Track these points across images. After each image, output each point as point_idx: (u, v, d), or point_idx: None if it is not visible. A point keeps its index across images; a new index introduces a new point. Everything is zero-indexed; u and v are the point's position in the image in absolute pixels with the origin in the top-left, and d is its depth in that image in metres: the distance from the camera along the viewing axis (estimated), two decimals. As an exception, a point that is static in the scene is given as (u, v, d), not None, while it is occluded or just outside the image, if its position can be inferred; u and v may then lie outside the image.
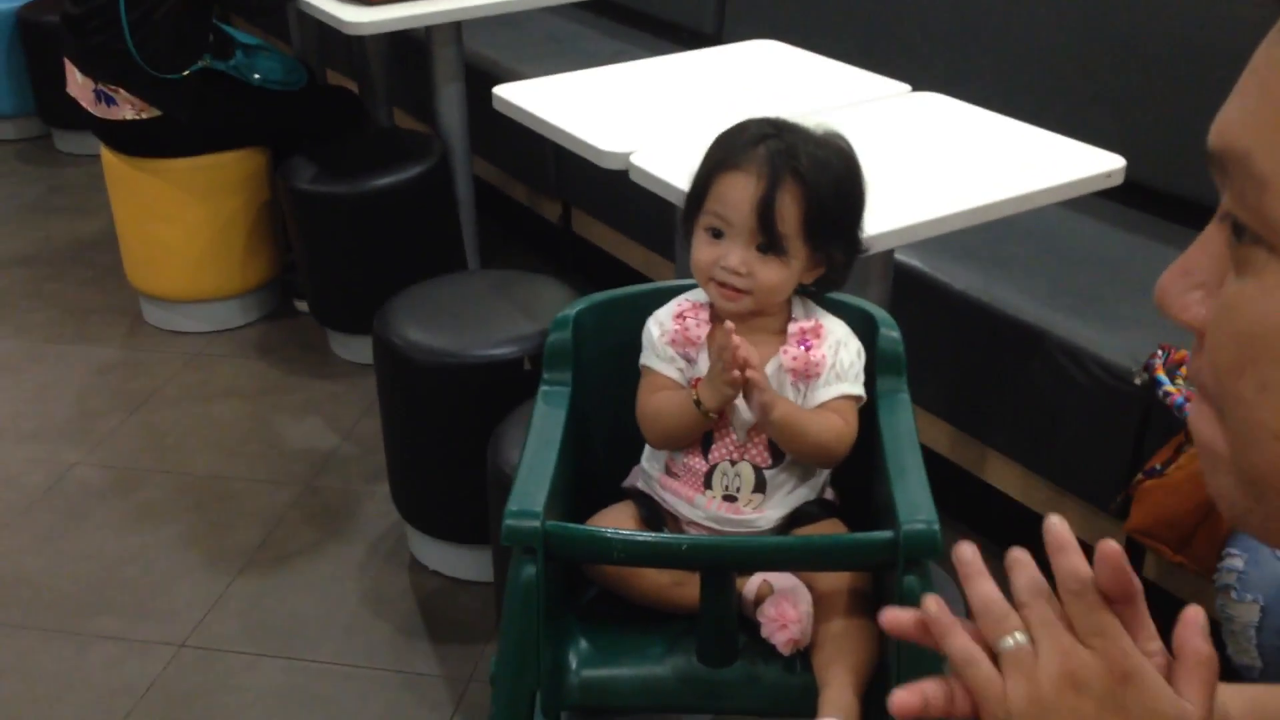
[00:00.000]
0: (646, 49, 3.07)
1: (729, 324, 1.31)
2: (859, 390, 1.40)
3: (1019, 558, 0.64)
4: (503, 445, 1.77)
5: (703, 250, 1.37)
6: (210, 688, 1.95)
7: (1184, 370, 1.73)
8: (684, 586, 1.37)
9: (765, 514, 1.41)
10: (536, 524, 1.23)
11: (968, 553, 0.66)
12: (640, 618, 1.41)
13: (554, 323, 1.49)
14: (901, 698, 0.63)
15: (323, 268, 2.81)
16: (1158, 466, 1.69)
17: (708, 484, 1.42)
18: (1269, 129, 0.46)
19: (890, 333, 1.44)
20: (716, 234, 1.36)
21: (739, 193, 1.32)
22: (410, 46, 3.20)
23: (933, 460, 1.61)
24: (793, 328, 1.40)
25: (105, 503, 2.41)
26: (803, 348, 1.38)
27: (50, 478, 2.49)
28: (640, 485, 1.49)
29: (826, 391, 1.38)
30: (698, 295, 1.45)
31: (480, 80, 2.74)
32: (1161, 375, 1.70)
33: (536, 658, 1.26)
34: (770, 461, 1.41)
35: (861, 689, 1.30)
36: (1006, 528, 2.16)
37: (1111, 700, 0.58)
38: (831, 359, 1.38)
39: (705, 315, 1.42)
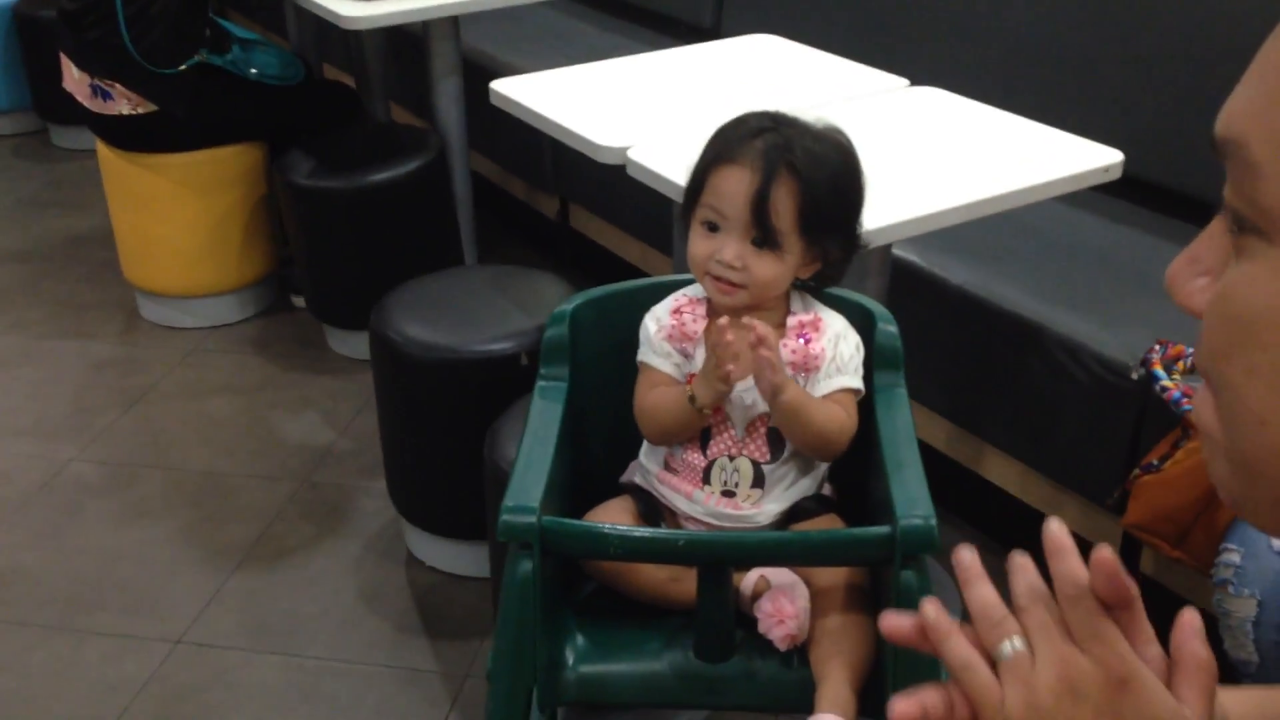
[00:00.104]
0: (644, 43, 3.07)
1: (724, 319, 1.31)
2: (858, 383, 1.40)
3: (1020, 562, 0.64)
4: (500, 441, 1.77)
5: (698, 244, 1.37)
6: (206, 684, 1.95)
7: (1181, 365, 1.73)
8: (681, 582, 1.37)
9: (763, 509, 1.41)
10: (533, 519, 1.23)
11: (966, 557, 0.65)
12: (637, 613, 1.41)
13: (551, 318, 1.48)
14: (901, 707, 0.63)
15: (320, 263, 2.80)
16: (1155, 462, 1.69)
17: (706, 479, 1.42)
18: (1263, 117, 0.47)
19: (888, 328, 1.44)
20: (712, 228, 1.35)
21: (734, 186, 1.32)
22: (407, 41, 3.19)
23: (930, 456, 1.61)
24: (791, 321, 1.40)
25: (101, 499, 2.41)
26: (802, 341, 1.38)
27: (46, 474, 2.48)
28: (638, 480, 1.48)
29: (827, 384, 1.38)
30: (695, 290, 1.45)
31: (478, 75, 2.73)
32: (1159, 370, 1.70)
33: (533, 653, 1.26)
34: (769, 456, 1.40)
35: (858, 685, 1.30)
36: (1004, 523, 2.16)
37: (1109, 706, 0.58)
38: (831, 352, 1.38)
39: (702, 310, 1.42)
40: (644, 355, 1.44)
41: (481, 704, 1.62)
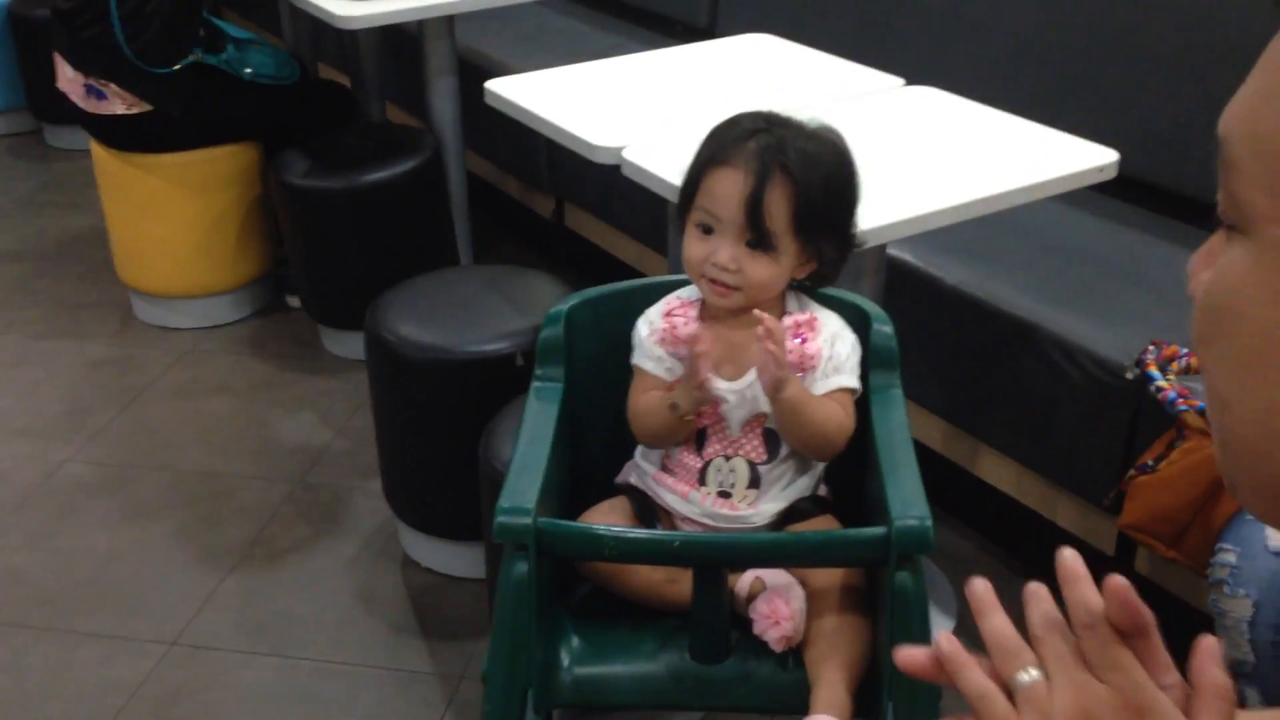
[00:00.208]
0: (640, 43, 3.07)
1: (694, 329, 1.31)
2: (856, 383, 1.40)
3: (1035, 591, 0.64)
4: (495, 441, 1.77)
5: (693, 246, 1.36)
6: (201, 685, 1.95)
7: (1175, 365, 1.73)
8: (677, 583, 1.37)
9: (759, 509, 1.41)
10: (528, 521, 1.22)
11: (980, 588, 0.65)
12: (633, 614, 1.41)
13: (546, 318, 1.48)
14: None
15: (315, 263, 2.80)
16: (1150, 462, 1.69)
17: (702, 480, 1.41)
18: (1245, 117, 0.49)
19: (883, 328, 1.44)
20: (707, 230, 1.35)
21: (728, 189, 1.32)
22: (402, 40, 3.19)
23: (926, 455, 1.61)
24: (787, 321, 1.40)
25: (96, 500, 2.40)
26: (798, 341, 1.38)
27: (41, 474, 2.48)
28: (634, 481, 1.48)
29: (825, 384, 1.38)
30: (689, 293, 1.45)
31: (473, 74, 2.73)
32: (1154, 371, 1.70)
33: (529, 655, 1.26)
34: (765, 457, 1.40)
35: (854, 686, 1.30)
36: (999, 523, 2.16)
37: None
38: (828, 352, 1.38)
39: (694, 313, 1.42)
40: (636, 358, 1.44)
41: (477, 705, 1.62)
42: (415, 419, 2.07)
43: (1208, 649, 0.60)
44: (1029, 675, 0.61)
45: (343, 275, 2.75)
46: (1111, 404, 1.83)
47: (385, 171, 2.68)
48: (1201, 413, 1.60)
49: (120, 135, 2.81)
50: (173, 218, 2.89)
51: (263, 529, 2.30)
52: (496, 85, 2.07)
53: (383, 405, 2.12)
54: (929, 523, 1.21)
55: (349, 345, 2.80)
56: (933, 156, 1.81)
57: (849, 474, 1.45)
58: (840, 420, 1.37)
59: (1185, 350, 1.73)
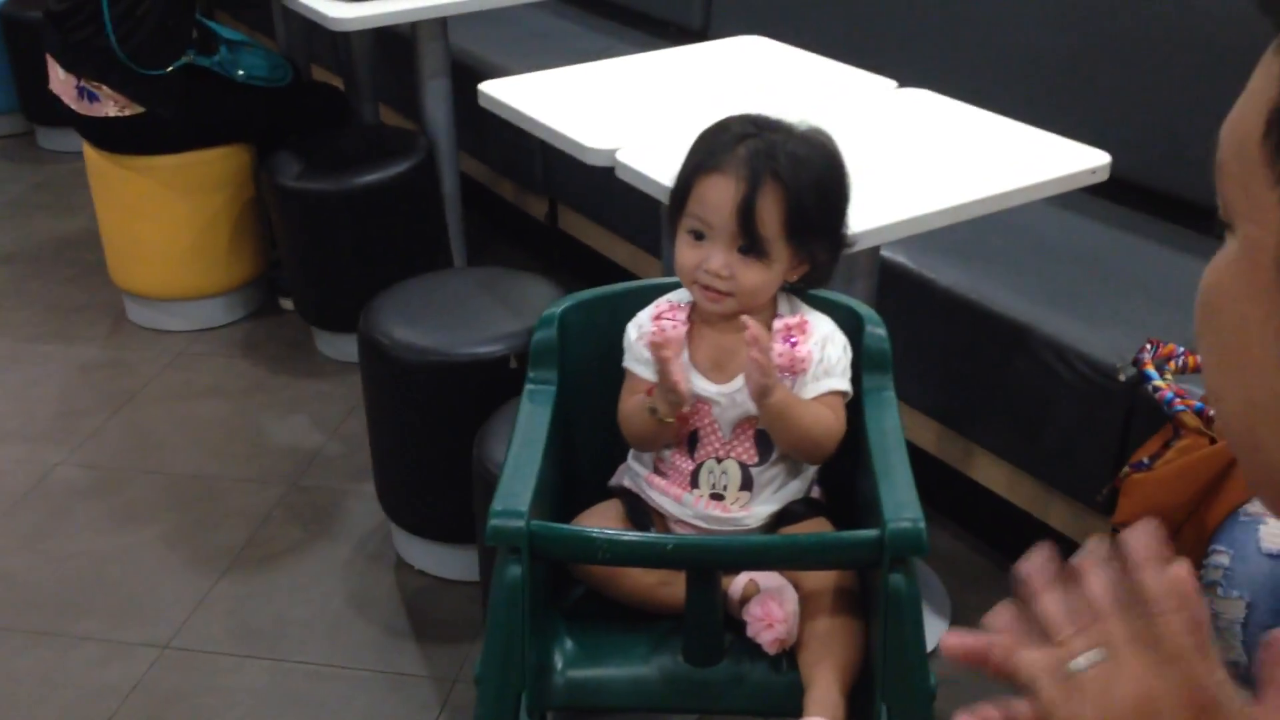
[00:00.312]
0: (633, 45, 3.07)
1: (660, 335, 1.32)
2: (846, 386, 1.40)
3: (1089, 566, 0.60)
4: (488, 444, 1.76)
5: (685, 253, 1.37)
6: (194, 689, 1.94)
7: (1173, 365, 1.73)
8: (670, 586, 1.37)
9: (752, 512, 1.41)
10: (521, 524, 1.22)
11: (1038, 560, 0.61)
12: (626, 617, 1.41)
13: (539, 321, 1.48)
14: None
15: (308, 265, 2.80)
16: (1145, 460, 1.68)
17: (694, 482, 1.41)
18: (1232, 118, 0.50)
19: (876, 330, 1.44)
20: (698, 236, 1.36)
21: (719, 195, 1.32)
22: (396, 42, 3.18)
23: (919, 457, 1.61)
24: (777, 324, 1.40)
25: (88, 503, 2.40)
26: (788, 344, 1.38)
27: (33, 478, 2.47)
28: (627, 483, 1.48)
29: (815, 387, 1.38)
30: (678, 295, 1.45)
31: (466, 76, 2.72)
32: (1150, 370, 1.69)
33: (522, 658, 1.26)
34: (757, 459, 1.40)
35: (847, 688, 1.30)
36: (992, 524, 2.16)
37: None
38: (818, 355, 1.38)
39: (683, 316, 1.42)
40: (627, 361, 1.44)
41: (471, 708, 1.62)
42: (408, 421, 2.06)
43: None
44: (1089, 658, 0.58)
45: (336, 277, 2.75)
46: (1104, 405, 1.83)
47: (378, 173, 2.67)
48: (1199, 413, 1.60)
49: (112, 137, 2.80)
50: (165, 220, 2.88)
51: (256, 532, 2.29)
52: (490, 87, 2.07)
53: (376, 408, 2.12)
54: (922, 525, 1.21)
55: (342, 348, 2.79)
56: (925, 159, 1.81)
57: (842, 476, 1.46)
58: (829, 423, 1.37)
59: (1182, 349, 1.73)
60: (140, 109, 2.72)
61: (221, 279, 2.97)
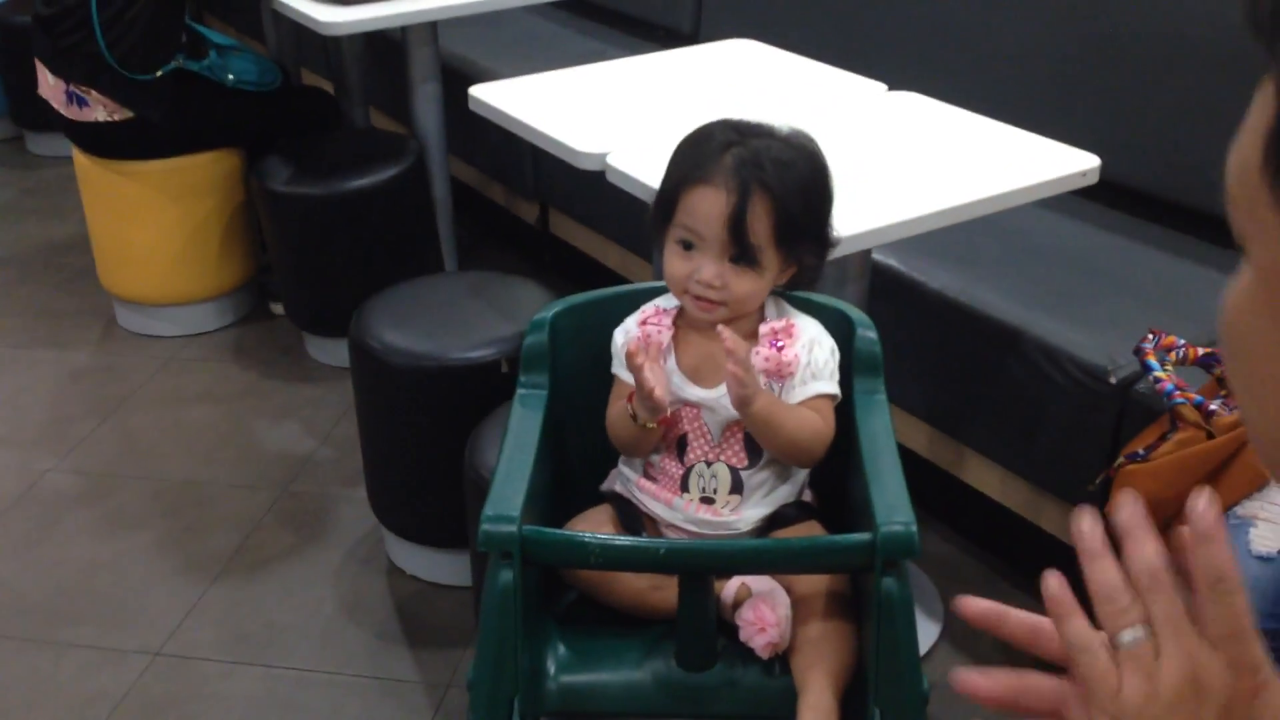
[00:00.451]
0: (623, 48, 3.06)
1: (632, 345, 1.33)
2: (834, 389, 1.40)
3: (1137, 534, 0.59)
4: (480, 449, 1.76)
5: (676, 264, 1.37)
6: (185, 696, 1.94)
7: (1174, 356, 1.71)
8: (662, 590, 1.37)
9: (743, 515, 1.41)
10: (513, 529, 1.22)
11: (1088, 525, 0.60)
12: (619, 622, 1.40)
13: (530, 325, 1.48)
14: (975, 680, 0.61)
15: (298, 270, 2.79)
16: (1140, 451, 1.66)
17: (684, 486, 1.41)
18: (1234, 152, 0.51)
19: (867, 333, 1.44)
20: (687, 246, 1.36)
21: (709, 207, 1.32)
22: (386, 46, 3.18)
23: (910, 460, 1.61)
24: (764, 329, 1.40)
25: (79, 509, 2.39)
26: (775, 348, 1.38)
27: (23, 484, 2.46)
28: (618, 488, 1.48)
29: (803, 391, 1.38)
30: (665, 301, 1.45)
31: (457, 80, 2.72)
32: (1152, 360, 1.67)
33: (514, 663, 1.26)
34: (746, 462, 1.40)
35: (840, 692, 1.30)
36: (985, 527, 2.16)
37: (1236, 713, 0.55)
38: (805, 358, 1.38)
39: (669, 321, 1.43)
40: (615, 367, 1.44)
41: (463, 714, 1.61)
42: (400, 426, 2.06)
43: None
44: (1135, 633, 0.57)
45: (326, 282, 2.74)
46: (1095, 408, 1.83)
47: (369, 178, 2.67)
48: (1198, 406, 1.59)
49: (102, 142, 2.79)
50: (155, 225, 2.87)
51: (247, 538, 2.29)
52: (480, 91, 2.07)
53: (367, 412, 2.12)
54: (914, 528, 1.21)
55: (333, 352, 2.79)
56: (916, 162, 1.82)
57: (834, 479, 1.45)
58: (816, 427, 1.37)
59: (1183, 340, 1.71)
60: (130, 114, 2.71)
61: (212, 284, 2.96)
